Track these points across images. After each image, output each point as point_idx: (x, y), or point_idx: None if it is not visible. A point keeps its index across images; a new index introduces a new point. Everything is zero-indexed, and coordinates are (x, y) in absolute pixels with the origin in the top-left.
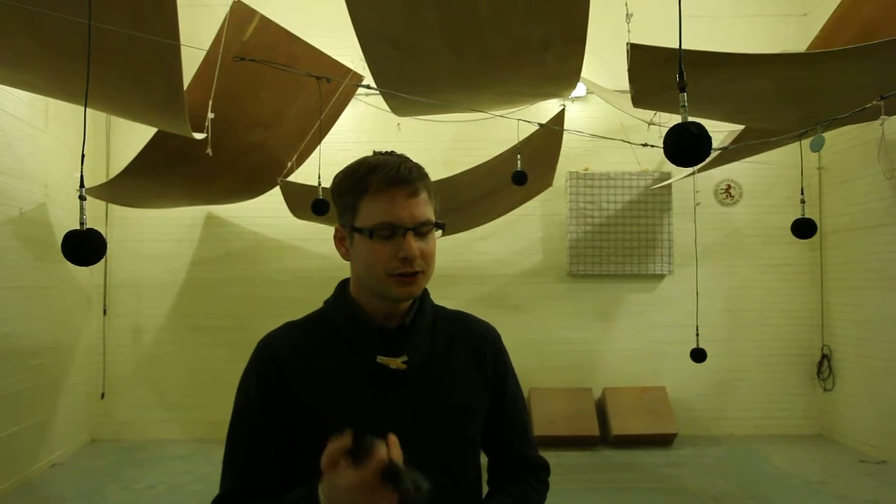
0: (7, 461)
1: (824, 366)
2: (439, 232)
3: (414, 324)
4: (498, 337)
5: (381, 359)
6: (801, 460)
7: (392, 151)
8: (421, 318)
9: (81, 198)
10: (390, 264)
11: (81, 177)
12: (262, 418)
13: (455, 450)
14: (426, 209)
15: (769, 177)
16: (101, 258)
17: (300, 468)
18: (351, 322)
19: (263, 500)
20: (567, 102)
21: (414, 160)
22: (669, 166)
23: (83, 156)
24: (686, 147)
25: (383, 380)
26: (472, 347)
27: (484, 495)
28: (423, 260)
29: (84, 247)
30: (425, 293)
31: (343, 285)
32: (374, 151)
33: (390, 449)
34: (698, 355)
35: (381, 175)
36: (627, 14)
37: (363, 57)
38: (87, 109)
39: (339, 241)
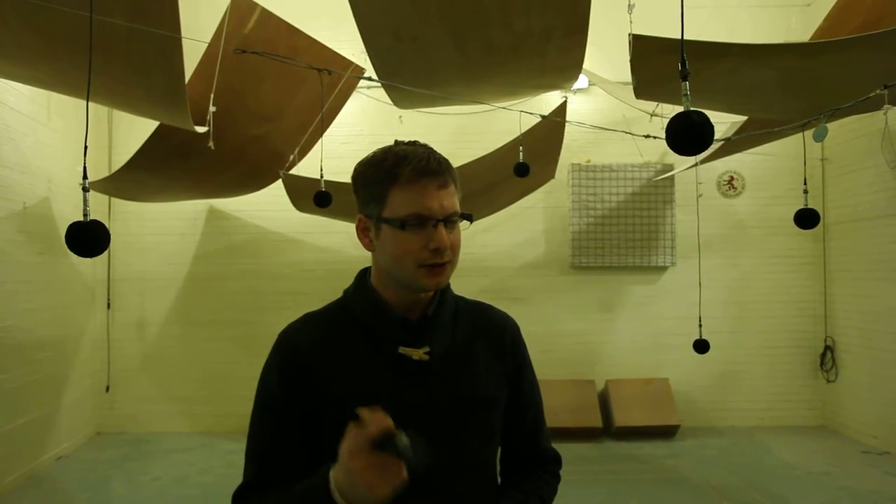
0: (13, 454)
1: (827, 357)
2: (465, 223)
3: (436, 315)
4: (517, 328)
5: (403, 350)
6: (805, 451)
7: (415, 141)
8: (443, 309)
9: (85, 189)
10: (420, 255)
11: (84, 168)
12: (284, 411)
13: (475, 441)
14: (454, 200)
15: (772, 168)
16: (105, 249)
17: (323, 458)
18: (372, 312)
19: (282, 490)
20: (569, 94)
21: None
22: (672, 158)
23: (86, 147)
24: (688, 135)
25: (405, 370)
26: (492, 339)
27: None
28: (451, 250)
29: (88, 238)
30: (447, 284)
31: (363, 275)
32: (395, 141)
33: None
34: (701, 346)
35: (412, 166)
36: (629, 5)
37: (364, 49)
38: (89, 103)
39: (361, 231)
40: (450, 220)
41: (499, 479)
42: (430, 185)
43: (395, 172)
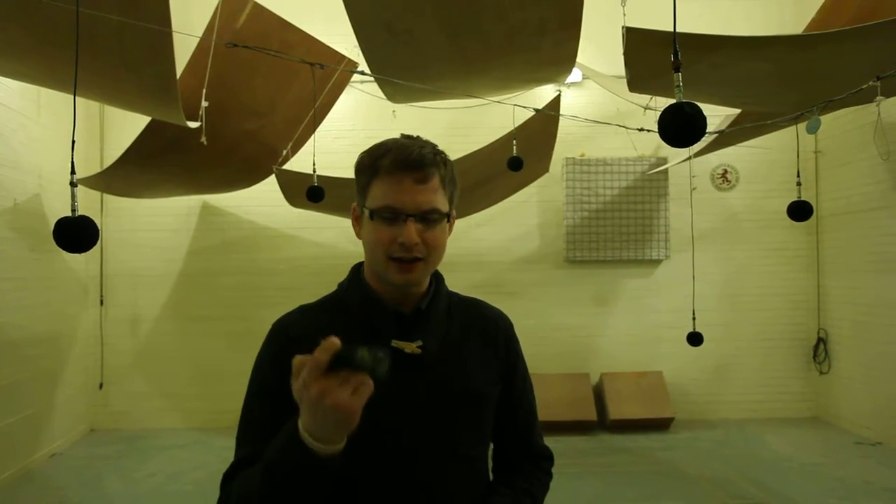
0: (7, 451)
1: (820, 349)
2: (449, 221)
3: (430, 309)
4: (510, 325)
5: (396, 343)
6: (798, 443)
7: (418, 136)
8: (436, 304)
9: (73, 184)
10: (390, 248)
11: (72, 164)
12: (276, 397)
13: (466, 436)
14: (434, 197)
15: (766, 161)
16: (94, 245)
17: None
18: (365, 305)
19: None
20: (563, 88)
21: (439, 148)
22: (666, 151)
23: (73, 142)
24: (681, 127)
25: (398, 364)
26: (486, 335)
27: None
28: (426, 247)
29: (76, 233)
30: (440, 279)
31: (357, 268)
32: (401, 134)
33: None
34: (695, 338)
35: (391, 158)
36: None
37: (357, 44)
38: (80, 98)
39: (354, 219)
40: (425, 218)
41: (490, 476)
42: (406, 179)
43: (377, 164)
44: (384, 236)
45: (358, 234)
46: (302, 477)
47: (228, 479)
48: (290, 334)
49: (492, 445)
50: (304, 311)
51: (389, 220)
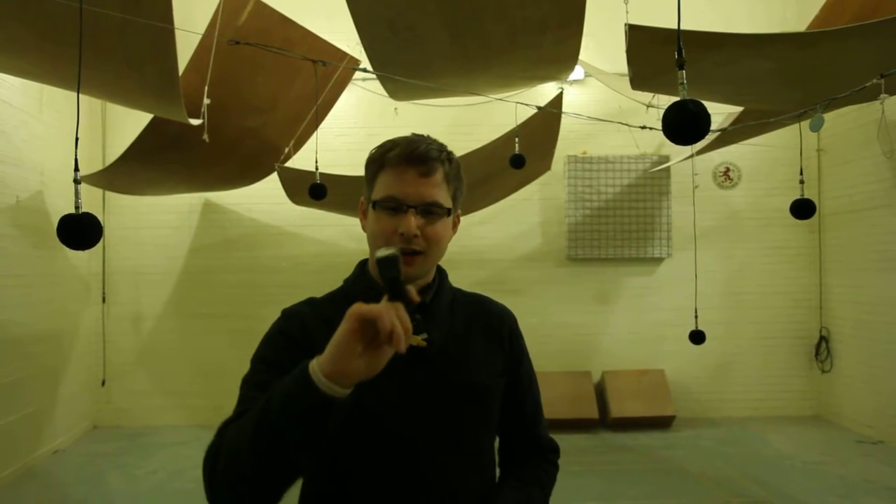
0: (9, 448)
1: (822, 347)
2: (451, 217)
3: (434, 303)
4: (514, 320)
5: None
6: (799, 441)
7: (427, 135)
8: (440, 298)
9: (76, 181)
10: (391, 239)
11: (76, 161)
12: (282, 365)
13: (472, 429)
14: (437, 191)
15: (768, 159)
16: (97, 242)
17: None
18: (371, 299)
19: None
20: (565, 85)
21: (448, 148)
22: (668, 149)
23: (77, 139)
24: (685, 124)
25: (403, 357)
26: (490, 329)
27: (497, 476)
28: (426, 241)
29: (80, 230)
30: (444, 274)
31: (363, 264)
32: (412, 133)
33: None
34: (697, 337)
35: (398, 151)
36: None
37: (360, 41)
38: (82, 96)
39: (361, 212)
40: (427, 210)
41: (497, 469)
42: (411, 171)
43: (385, 157)
44: (386, 226)
45: (364, 228)
46: (303, 414)
47: (224, 426)
48: (300, 320)
49: (497, 439)
50: (311, 302)
51: (391, 210)
